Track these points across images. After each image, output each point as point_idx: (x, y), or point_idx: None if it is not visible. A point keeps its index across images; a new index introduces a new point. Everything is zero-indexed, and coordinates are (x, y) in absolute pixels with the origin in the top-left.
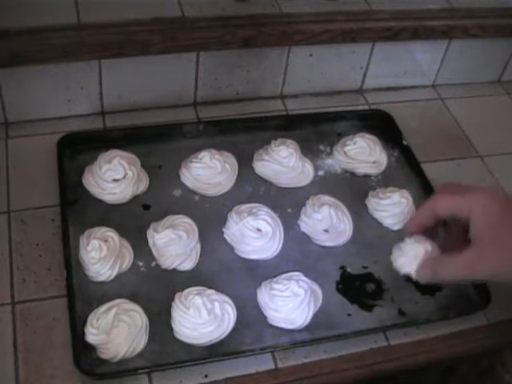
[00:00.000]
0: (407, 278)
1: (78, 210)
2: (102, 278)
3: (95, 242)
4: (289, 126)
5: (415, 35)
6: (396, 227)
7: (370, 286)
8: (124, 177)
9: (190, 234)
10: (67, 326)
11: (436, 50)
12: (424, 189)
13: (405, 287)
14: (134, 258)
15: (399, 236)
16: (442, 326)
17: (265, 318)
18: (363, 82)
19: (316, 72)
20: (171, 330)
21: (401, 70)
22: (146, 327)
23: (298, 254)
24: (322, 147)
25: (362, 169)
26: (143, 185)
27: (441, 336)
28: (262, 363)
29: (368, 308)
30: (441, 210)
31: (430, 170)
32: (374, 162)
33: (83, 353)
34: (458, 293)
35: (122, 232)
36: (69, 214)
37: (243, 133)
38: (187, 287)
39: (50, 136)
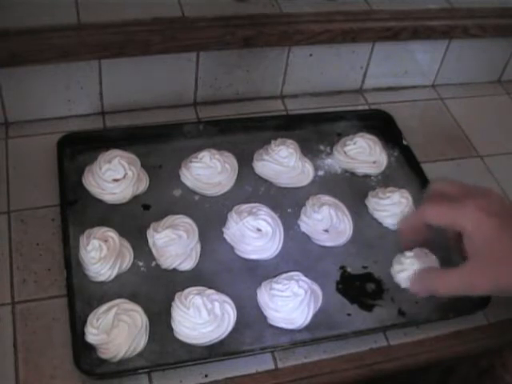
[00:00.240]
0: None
1: (77, 209)
2: (101, 278)
3: (95, 242)
4: (289, 125)
5: (415, 35)
6: (396, 227)
7: (370, 286)
8: (124, 177)
9: (189, 233)
10: (67, 325)
11: (436, 50)
12: (424, 189)
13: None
14: (134, 257)
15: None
16: (441, 326)
17: (265, 317)
18: (363, 81)
19: (316, 72)
20: (171, 329)
21: (401, 70)
22: (146, 327)
23: (297, 254)
24: (321, 147)
25: (361, 169)
26: (143, 185)
27: (441, 336)
28: (262, 363)
29: (368, 308)
30: (431, 221)
31: (430, 170)
32: (374, 162)
33: (83, 353)
34: None
35: (122, 232)
36: (69, 213)
37: (243, 133)
38: (187, 287)
39: (50, 136)
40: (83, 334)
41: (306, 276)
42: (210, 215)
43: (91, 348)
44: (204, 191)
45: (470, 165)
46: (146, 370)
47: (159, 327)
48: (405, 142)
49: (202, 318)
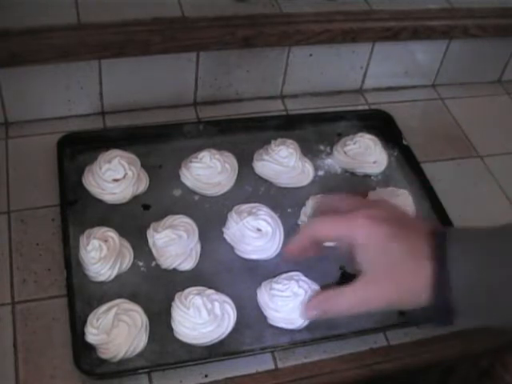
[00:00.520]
0: None
1: (77, 209)
2: (101, 278)
3: (95, 242)
4: (289, 125)
5: (415, 35)
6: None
7: None
8: (124, 177)
9: (189, 233)
10: (67, 325)
11: (436, 49)
12: (424, 189)
13: None
14: (134, 257)
15: None
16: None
17: (265, 317)
18: (363, 81)
19: (316, 72)
20: (171, 329)
21: (401, 70)
22: (145, 327)
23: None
24: (322, 147)
25: (362, 169)
26: (143, 185)
27: (441, 336)
28: (262, 363)
29: None
30: (321, 237)
31: (430, 170)
32: (374, 162)
33: (83, 353)
34: None
35: (122, 232)
36: (69, 213)
37: (243, 133)
38: (187, 287)
39: (50, 136)
40: (83, 333)
41: (306, 276)
42: (210, 215)
43: (91, 348)
44: (204, 191)
45: (470, 165)
46: (146, 370)
47: (159, 327)
48: (405, 142)
49: (202, 318)
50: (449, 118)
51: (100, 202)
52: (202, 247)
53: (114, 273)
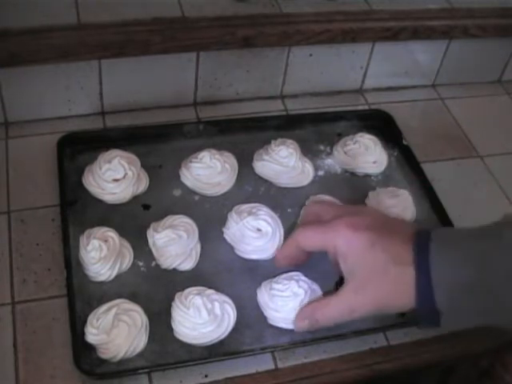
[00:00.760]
0: None
1: (77, 209)
2: (101, 278)
3: (95, 242)
4: (289, 125)
5: (415, 35)
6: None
7: None
8: (124, 177)
9: (189, 233)
10: (67, 325)
11: (436, 49)
12: (424, 189)
13: None
14: (134, 257)
15: None
16: None
17: (265, 317)
18: (363, 81)
19: (316, 72)
20: (171, 329)
21: (401, 70)
22: (145, 327)
23: None
24: (322, 147)
25: (362, 169)
26: (143, 185)
27: (441, 336)
28: (262, 363)
29: None
30: (307, 247)
31: (430, 170)
32: (374, 162)
33: (83, 353)
34: None
35: (122, 232)
36: (69, 213)
37: (243, 133)
38: (187, 287)
39: (50, 136)
40: (83, 333)
41: (306, 276)
42: (209, 215)
43: (91, 348)
44: (204, 191)
45: (470, 165)
46: (146, 370)
47: (159, 327)
48: (405, 142)
49: (202, 318)
50: (449, 118)
51: (100, 202)
52: (202, 247)
53: (114, 273)
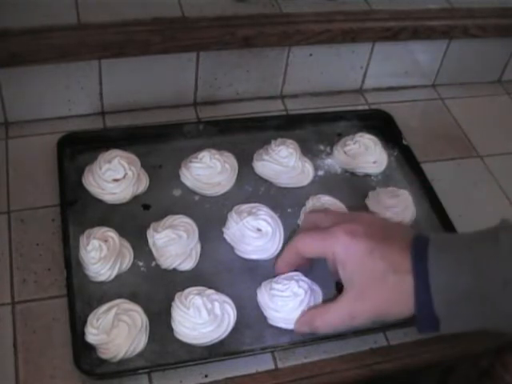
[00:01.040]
0: None
1: (77, 209)
2: (101, 278)
3: (95, 242)
4: (289, 125)
5: (415, 35)
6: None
7: None
8: (124, 177)
9: (190, 233)
10: (67, 325)
11: (436, 49)
12: (424, 189)
13: None
14: (134, 257)
15: None
16: None
17: (265, 317)
18: (363, 81)
19: (316, 72)
20: (171, 329)
21: (401, 70)
22: (145, 327)
23: None
24: (321, 147)
25: (362, 169)
26: (143, 185)
27: (441, 336)
28: (262, 363)
29: None
30: (304, 253)
31: (430, 170)
32: (374, 162)
33: (83, 353)
34: None
35: (122, 232)
36: (69, 213)
37: (243, 133)
38: (187, 287)
39: (50, 136)
40: (83, 334)
41: (306, 276)
42: (209, 215)
43: (91, 348)
44: (204, 191)
45: (470, 165)
46: (146, 370)
47: (159, 327)
48: (405, 142)
49: (202, 318)
50: (449, 118)
51: (100, 202)
52: (202, 247)
53: (114, 273)
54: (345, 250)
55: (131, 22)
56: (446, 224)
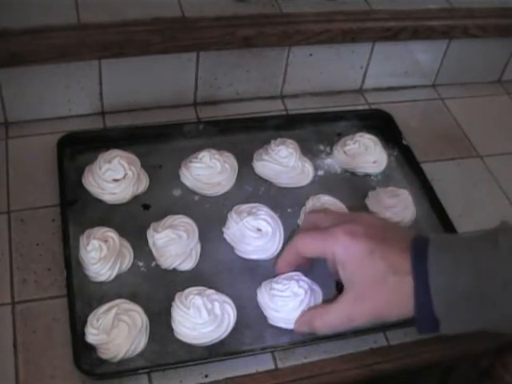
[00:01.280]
0: None
1: (77, 209)
2: (102, 278)
3: (95, 242)
4: (288, 125)
5: (415, 35)
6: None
7: None
8: (124, 177)
9: (190, 233)
10: (67, 325)
11: (436, 49)
12: (424, 188)
13: None
14: (134, 258)
15: None
16: None
17: (265, 317)
18: (363, 81)
19: (316, 72)
20: (171, 330)
21: (401, 70)
22: (146, 327)
23: None
24: (321, 147)
25: (361, 168)
26: (143, 185)
27: (441, 336)
28: (262, 363)
29: None
30: (304, 253)
31: (430, 170)
32: (374, 162)
33: (83, 353)
34: None
35: (122, 232)
36: (69, 213)
37: (243, 133)
38: (187, 287)
39: (50, 136)
40: (83, 334)
41: (306, 276)
42: (209, 215)
43: (91, 348)
44: (204, 191)
45: (470, 165)
46: (146, 370)
47: (159, 327)
48: (405, 142)
49: (202, 318)
50: (449, 118)
51: (100, 202)
52: (202, 247)
53: (114, 273)
54: (345, 250)
55: (131, 22)
56: (446, 224)
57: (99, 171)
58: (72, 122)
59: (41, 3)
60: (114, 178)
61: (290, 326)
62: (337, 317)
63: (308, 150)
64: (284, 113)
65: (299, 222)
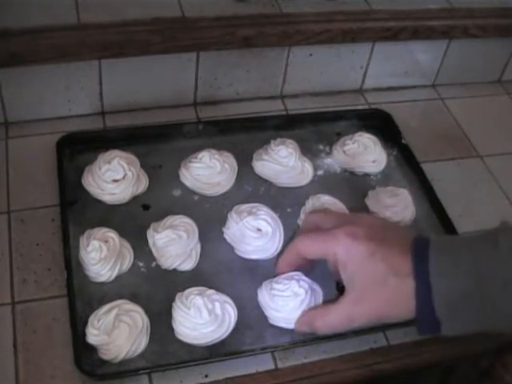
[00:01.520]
0: None
1: (77, 210)
2: (102, 279)
3: (95, 243)
4: (288, 125)
5: (415, 35)
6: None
7: None
8: (124, 177)
9: (190, 234)
10: (67, 326)
11: (436, 49)
12: (424, 188)
13: None
14: (134, 258)
15: None
16: None
17: (265, 317)
18: (363, 81)
19: (316, 72)
20: (172, 330)
21: (401, 70)
22: (146, 328)
23: None
24: (321, 147)
25: (361, 168)
26: (143, 185)
27: (440, 336)
28: (262, 363)
29: None
30: (305, 255)
31: (430, 170)
32: (374, 162)
33: (84, 353)
34: None
35: (122, 232)
36: (69, 214)
37: (243, 133)
38: (188, 287)
39: (50, 136)
40: (84, 334)
41: (307, 276)
42: (209, 215)
43: (92, 348)
44: (204, 191)
45: (470, 165)
46: (147, 371)
47: (160, 328)
48: (404, 141)
49: (202, 318)
50: (449, 118)
51: (100, 202)
52: (202, 247)
53: (115, 273)
54: (346, 252)
55: (131, 22)
56: (446, 224)
57: (99, 172)
58: (72, 122)
59: (41, 3)
60: (114, 178)
61: (291, 326)
62: (337, 317)
63: (308, 150)
64: (284, 113)
65: (299, 221)
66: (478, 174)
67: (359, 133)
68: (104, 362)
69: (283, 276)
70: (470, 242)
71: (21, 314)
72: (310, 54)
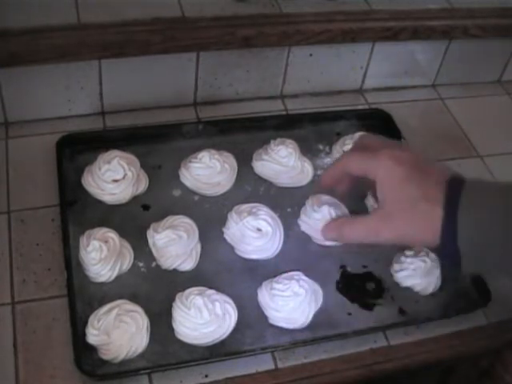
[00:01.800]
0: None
1: (77, 210)
2: (102, 279)
3: (95, 243)
4: (288, 125)
5: (415, 35)
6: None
7: (370, 285)
8: (123, 177)
9: (190, 234)
10: (67, 326)
11: (436, 50)
12: None
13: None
14: (135, 258)
15: None
16: (442, 326)
17: (265, 317)
18: (363, 81)
19: (316, 72)
20: (172, 330)
21: (401, 70)
22: (146, 328)
23: (298, 254)
24: (321, 147)
25: None
26: (143, 185)
27: (441, 336)
28: (262, 363)
29: (368, 307)
30: (351, 171)
31: None
32: None
33: (84, 353)
34: (458, 292)
35: (122, 232)
36: (69, 214)
37: (243, 133)
38: (188, 287)
39: (50, 136)
40: (84, 334)
41: (307, 275)
42: (209, 215)
43: (92, 348)
44: (203, 191)
45: (470, 165)
46: (148, 371)
47: (160, 328)
48: (403, 141)
49: (203, 318)
50: (449, 118)
51: (100, 202)
52: (202, 247)
53: (115, 274)
54: (386, 172)
55: (131, 22)
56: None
57: (99, 172)
58: (72, 122)
59: (41, 3)
60: (114, 178)
61: (291, 326)
62: (365, 227)
63: (307, 150)
64: (284, 113)
65: (299, 221)
66: (478, 174)
67: (359, 133)
68: (104, 362)
69: (283, 276)
70: (504, 190)
71: (21, 313)
72: (310, 54)
